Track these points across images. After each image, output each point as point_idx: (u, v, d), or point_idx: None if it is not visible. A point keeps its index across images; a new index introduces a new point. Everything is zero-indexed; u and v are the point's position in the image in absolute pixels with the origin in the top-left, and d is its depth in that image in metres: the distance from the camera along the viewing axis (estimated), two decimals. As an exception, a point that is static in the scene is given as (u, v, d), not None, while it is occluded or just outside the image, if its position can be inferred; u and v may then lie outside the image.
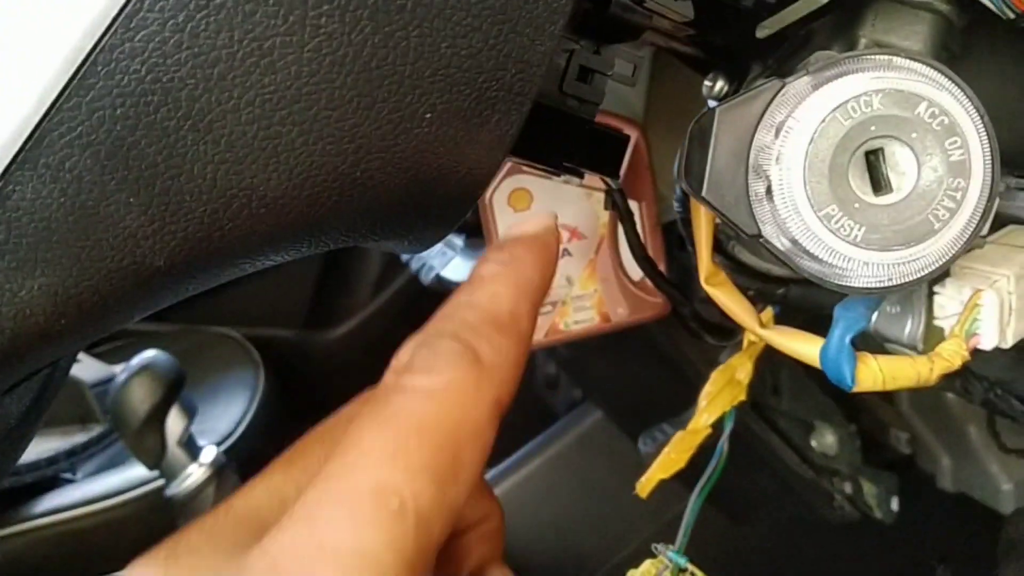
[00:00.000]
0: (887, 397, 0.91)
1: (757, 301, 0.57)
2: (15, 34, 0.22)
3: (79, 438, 1.12)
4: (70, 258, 0.24)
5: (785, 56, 0.45)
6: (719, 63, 0.45)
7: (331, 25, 0.23)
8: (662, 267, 0.69)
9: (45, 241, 0.24)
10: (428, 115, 0.26)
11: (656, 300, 0.67)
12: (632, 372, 0.89)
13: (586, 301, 0.68)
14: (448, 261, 0.97)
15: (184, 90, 0.23)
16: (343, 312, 1.49)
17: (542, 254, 0.29)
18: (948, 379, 0.57)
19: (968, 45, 0.44)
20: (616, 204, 0.48)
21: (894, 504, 0.86)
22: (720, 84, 0.45)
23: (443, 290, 0.91)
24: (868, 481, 0.86)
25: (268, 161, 0.25)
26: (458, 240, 0.91)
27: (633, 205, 0.69)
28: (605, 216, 0.66)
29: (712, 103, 0.48)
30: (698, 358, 0.79)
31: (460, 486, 0.24)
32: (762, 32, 0.40)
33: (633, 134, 0.66)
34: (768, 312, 0.49)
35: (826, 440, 0.84)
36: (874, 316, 0.44)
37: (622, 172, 0.66)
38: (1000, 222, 0.54)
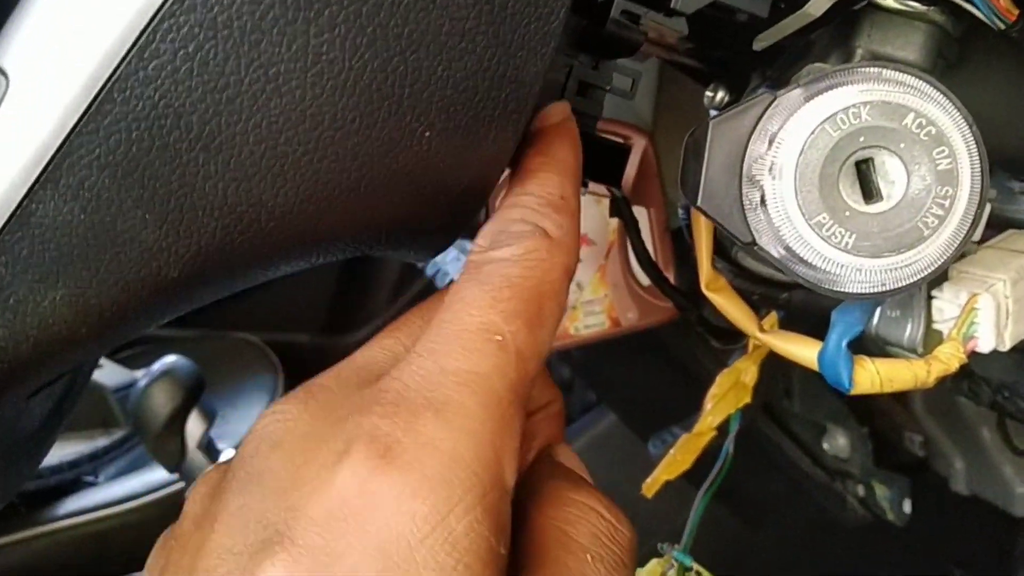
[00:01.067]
0: (900, 399, 0.91)
1: (761, 306, 0.58)
2: (38, 63, 0.24)
3: (101, 442, 1.14)
4: (89, 271, 0.25)
5: (784, 66, 0.46)
6: (719, 74, 0.46)
7: (332, 52, 0.24)
8: (671, 272, 0.70)
9: (66, 255, 0.25)
10: (427, 133, 0.27)
11: (665, 304, 0.68)
12: (644, 375, 0.90)
13: (596, 306, 0.69)
14: (456, 261, 0.98)
15: (195, 114, 0.24)
16: (361, 317, 1.51)
17: (569, 138, 0.33)
18: (956, 382, 0.58)
19: (965, 53, 0.45)
20: (620, 212, 0.49)
21: (907, 507, 0.86)
22: (721, 94, 0.46)
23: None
24: (880, 484, 0.86)
25: (275, 179, 0.26)
26: (471, 246, 0.92)
27: (643, 211, 0.70)
28: (614, 222, 0.67)
29: (713, 113, 0.49)
30: (709, 361, 0.79)
31: (546, 332, 0.28)
32: (759, 45, 0.41)
33: (641, 141, 0.67)
34: (772, 317, 0.50)
35: (838, 443, 0.85)
36: (875, 319, 0.45)
37: (625, 181, 0.67)
38: (1002, 225, 0.55)
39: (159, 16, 0.23)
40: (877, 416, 0.91)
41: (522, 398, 0.27)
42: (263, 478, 0.25)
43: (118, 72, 0.24)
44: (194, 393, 0.91)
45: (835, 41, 0.42)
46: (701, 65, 0.46)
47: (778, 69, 0.45)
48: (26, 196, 0.24)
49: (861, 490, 0.87)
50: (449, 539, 0.23)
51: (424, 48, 0.25)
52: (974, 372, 0.52)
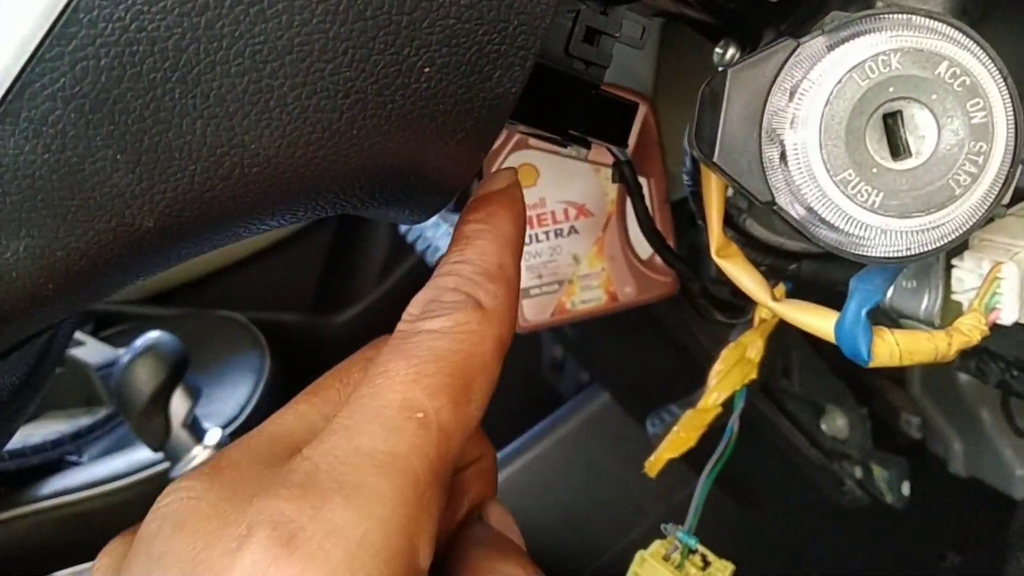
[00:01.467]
0: (898, 380, 0.90)
1: (769, 277, 0.56)
2: (-6, -19, 0.21)
3: (84, 420, 1.12)
4: (56, 218, 0.23)
5: (799, 21, 0.43)
6: (730, 29, 0.44)
7: (324, -27, 0.22)
8: (671, 245, 0.67)
9: (29, 200, 0.23)
10: (427, 69, 0.25)
11: (664, 279, 0.66)
12: (639, 354, 0.88)
13: (593, 280, 0.67)
14: (445, 236, 0.96)
15: (171, 40, 0.22)
16: (349, 296, 1.49)
17: (513, 207, 0.32)
18: (963, 359, 0.56)
19: (988, 8, 0.43)
20: (624, 177, 0.47)
21: (905, 489, 0.85)
22: (732, 51, 0.44)
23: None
24: (879, 466, 0.85)
25: (260, 117, 0.23)
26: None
27: (642, 181, 0.68)
28: (613, 192, 0.65)
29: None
30: (706, 339, 0.77)
31: (473, 409, 0.28)
32: (775, -4, 0.38)
33: (642, 108, 0.64)
34: (780, 287, 0.48)
35: (836, 423, 0.83)
36: (890, 290, 0.43)
37: (630, 143, 0.65)
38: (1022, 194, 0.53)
39: (130, -71, 0.21)
40: (874, 397, 0.90)
41: (443, 476, 0.26)
42: (164, 560, 0.24)
43: (84, -8, 0.21)
44: (178, 370, 0.88)
45: (854, -5, 0.40)
46: (711, 18, 0.44)
47: (794, 24, 0.43)
48: (-19, 133, 0.22)
49: (859, 472, 0.85)
50: None
51: (425, -23, 0.23)
52: (985, 348, 0.50)
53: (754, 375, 0.49)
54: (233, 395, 1.19)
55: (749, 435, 0.86)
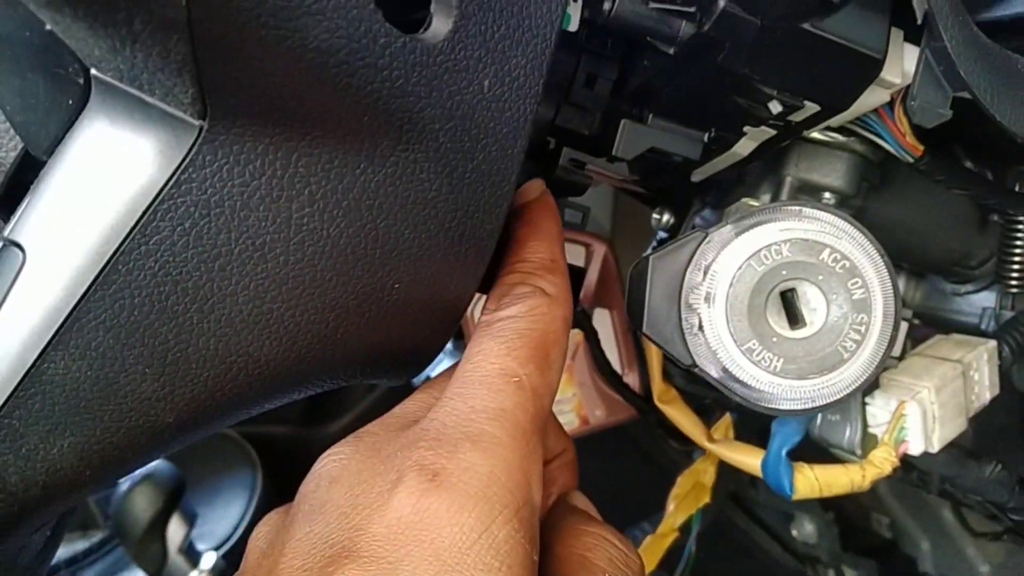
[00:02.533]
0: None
1: (716, 407, 0.61)
2: (52, 239, 0.27)
3: (80, 545, 1.13)
4: (94, 421, 0.28)
5: (722, 193, 0.50)
6: (664, 199, 0.50)
7: (312, 223, 0.28)
8: (635, 370, 0.73)
9: (73, 408, 0.28)
10: (396, 285, 0.31)
11: (631, 402, 0.71)
12: (615, 469, 0.92)
13: (565, 405, 0.72)
14: (438, 363, 1.01)
15: (190, 281, 0.28)
16: (338, 407, 1.52)
17: (549, 209, 0.38)
18: (906, 472, 0.61)
19: (887, 174, 0.50)
20: (580, 324, 0.53)
21: (875, 590, 0.88)
22: (667, 217, 0.50)
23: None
24: (849, 567, 0.89)
25: (261, 332, 0.29)
26: (448, 344, 0.95)
27: (606, 313, 0.74)
28: (578, 326, 0.70)
29: (661, 233, 0.53)
30: (677, 455, 0.82)
31: (554, 373, 0.33)
32: (696, 177, 0.45)
33: (602, 248, 0.71)
34: (726, 419, 0.53)
35: (805, 529, 0.87)
36: (818, 422, 0.49)
37: (587, 287, 0.71)
38: (938, 324, 0.59)
39: (159, 198, 0.27)
40: (845, 498, 0.94)
41: (541, 430, 0.31)
42: (325, 507, 0.29)
43: (123, 247, 0.27)
44: (175, 497, 0.92)
45: (766, 170, 0.47)
46: (648, 192, 0.50)
47: (716, 196, 0.49)
48: (39, 357, 0.27)
49: (831, 574, 0.89)
50: (493, 545, 0.27)
51: (393, 215, 0.29)
52: (916, 467, 0.55)
53: (708, 499, 0.53)
54: (226, 515, 1.21)
55: (724, 543, 0.90)
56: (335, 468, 0.31)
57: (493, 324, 0.33)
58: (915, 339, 0.57)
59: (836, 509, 0.91)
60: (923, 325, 0.61)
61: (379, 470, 0.29)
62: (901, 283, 0.60)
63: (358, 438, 0.32)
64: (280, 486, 1.31)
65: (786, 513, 0.88)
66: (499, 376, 0.31)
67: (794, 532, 0.89)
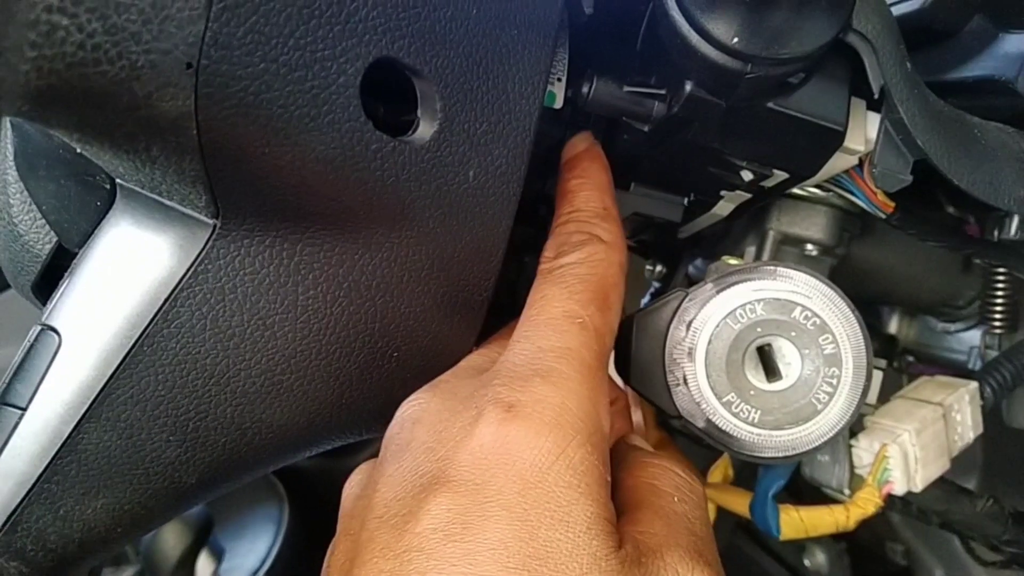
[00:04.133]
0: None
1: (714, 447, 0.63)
2: (85, 324, 0.31)
3: (113, 581, 1.17)
4: (124, 484, 0.32)
5: (711, 243, 0.53)
6: (654, 252, 0.53)
7: (316, 304, 0.31)
8: (640, 409, 0.75)
9: (106, 473, 0.31)
10: (395, 354, 0.34)
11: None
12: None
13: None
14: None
15: (208, 358, 0.31)
16: (363, 440, 1.54)
17: (598, 159, 0.39)
18: (904, 505, 0.63)
19: (868, 223, 0.52)
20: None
21: (890, 619, 0.89)
22: (659, 268, 0.53)
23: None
24: (863, 596, 0.90)
25: (273, 401, 0.32)
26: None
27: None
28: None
29: (654, 283, 0.56)
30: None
31: (613, 315, 0.35)
32: (683, 234, 0.48)
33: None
34: (725, 460, 0.55)
35: (817, 559, 0.88)
36: (810, 463, 0.51)
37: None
38: (930, 361, 0.61)
39: (179, 287, 0.30)
40: (859, 528, 0.95)
41: (604, 367, 0.34)
42: (411, 445, 0.31)
43: (147, 331, 0.30)
44: (204, 534, 0.95)
45: (751, 224, 0.50)
46: (640, 246, 0.53)
47: (705, 247, 0.52)
48: (75, 429, 0.30)
49: (845, 603, 0.90)
50: (570, 465, 0.29)
51: (389, 293, 0.32)
52: (909, 502, 0.57)
53: (708, 535, 0.55)
54: (253, 549, 1.24)
55: (734, 572, 0.90)
56: (417, 410, 0.33)
57: (554, 271, 0.35)
58: (910, 375, 0.59)
59: (849, 538, 0.92)
60: (917, 362, 0.63)
61: (458, 408, 0.31)
62: (894, 321, 0.62)
63: (434, 385, 0.34)
64: (307, 518, 1.34)
65: (797, 544, 0.89)
66: (563, 318, 0.33)
67: (807, 562, 0.90)
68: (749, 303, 0.38)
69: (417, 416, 0.32)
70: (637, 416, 0.74)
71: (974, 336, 0.57)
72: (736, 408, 0.38)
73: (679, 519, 0.33)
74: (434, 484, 0.29)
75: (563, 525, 0.28)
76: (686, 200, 0.42)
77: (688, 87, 0.34)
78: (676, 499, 0.34)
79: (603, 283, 0.35)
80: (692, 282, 0.54)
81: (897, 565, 0.95)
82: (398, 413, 0.33)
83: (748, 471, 0.59)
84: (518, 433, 0.29)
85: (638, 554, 0.30)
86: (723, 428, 0.39)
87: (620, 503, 0.33)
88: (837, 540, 0.89)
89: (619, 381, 0.58)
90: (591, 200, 0.38)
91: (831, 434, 0.39)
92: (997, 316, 0.52)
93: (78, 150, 0.26)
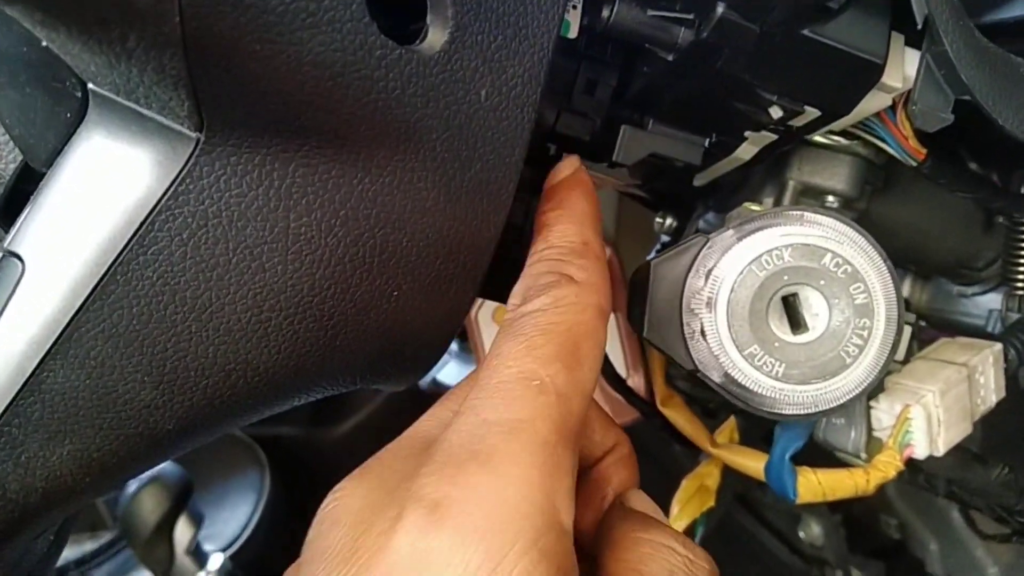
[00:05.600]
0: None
1: (721, 410, 0.61)
2: (50, 250, 0.27)
3: (89, 546, 1.14)
4: (93, 428, 0.28)
5: (724, 196, 0.50)
6: (666, 203, 0.50)
7: (309, 233, 0.28)
8: (641, 372, 0.73)
9: (72, 416, 0.28)
10: (395, 293, 0.31)
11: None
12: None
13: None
14: (443, 366, 1.01)
15: (188, 290, 0.28)
16: (347, 408, 1.52)
17: (582, 187, 0.35)
18: (912, 475, 0.61)
19: (891, 176, 0.49)
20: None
21: (883, 592, 0.88)
22: (669, 221, 0.50)
23: (439, 392, 0.96)
24: (857, 569, 0.88)
25: (259, 341, 0.29)
26: (453, 346, 0.95)
27: (611, 316, 0.73)
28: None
29: (664, 237, 0.53)
30: (683, 458, 0.82)
31: (585, 371, 0.29)
32: (699, 182, 0.45)
33: (608, 250, 0.71)
34: (730, 425, 0.53)
35: (813, 531, 0.87)
36: (822, 425, 0.48)
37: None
38: (945, 326, 0.59)
39: (157, 209, 0.27)
40: (852, 500, 0.94)
41: (570, 437, 0.28)
42: (326, 555, 0.26)
43: (121, 257, 0.27)
44: (182, 498, 0.92)
45: (769, 173, 0.47)
46: (651, 196, 0.50)
47: (719, 199, 0.49)
48: (38, 366, 0.27)
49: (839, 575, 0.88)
50: None
51: (390, 225, 0.29)
52: (922, 470, 0.55)
53: (712, 503, 0.53)
54: (234, 516, 1.22)
55: (731, 545, 0.89)
56: (338, 509, 0.28)
57: (514, 322, 0.30)
58: (922, 341, 0.57)
59: (844, 511, 0.91)
60: (930, 327, 0.61)
61: (381, 505, 0.27)
62: (907, 285, 0.60)
63: (364, 470, 0.29)
64: (288, 487, 1.32)
65: (793, 515, 0.87)
66: (516, 381, 0.28)
67: (801, 534, 0.88)
68: (776, 249, 0.36)
69: (336, 516, 0.28)
70: (636, 381, 0.72)
71: (992, 299, 0.55)
72: (759, 361, 0.36)
73: None
74: None
75: None
76: (707, 141, 0.39)
77: (720, 9, 0.31)
78: None
79: (572, 333, 0.29)
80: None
81: (890, 538, 0.94)
82: (322, 506, 0.29)
83: (752, 436, 0.57)
84: (440, 544, 0.24)
85: None
86: (742, 382, 0.36)
87: None
88: (833, 511, 0.88)
89: (621, 397, 0.56)
90: (567, 235, 0.33)
91: (857, 391, 0.36)
92: (1020, 277, 0.50)
93: (44, 42, 0.23)
